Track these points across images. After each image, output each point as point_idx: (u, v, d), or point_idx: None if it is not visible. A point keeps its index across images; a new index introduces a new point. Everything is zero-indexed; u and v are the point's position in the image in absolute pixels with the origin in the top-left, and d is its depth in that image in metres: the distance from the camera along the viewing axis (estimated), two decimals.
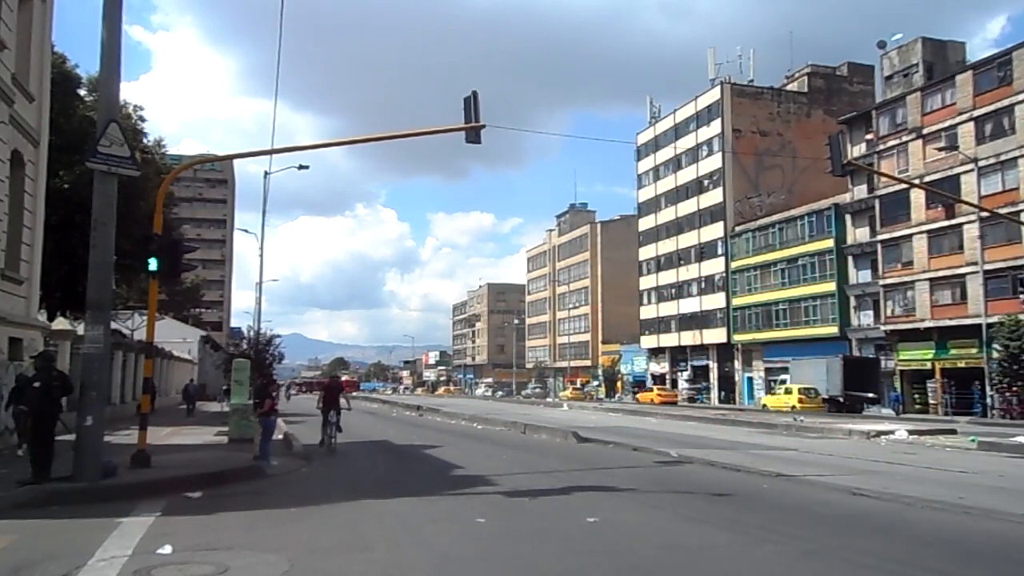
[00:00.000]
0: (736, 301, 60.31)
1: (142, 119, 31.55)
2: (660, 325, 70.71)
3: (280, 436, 17.54)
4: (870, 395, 40.90)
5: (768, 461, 14.73)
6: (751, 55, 68.75)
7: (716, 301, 62.82)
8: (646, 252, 73.49)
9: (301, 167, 35.38)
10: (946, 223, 41.04)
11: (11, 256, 16.31)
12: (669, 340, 69.08)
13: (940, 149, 40.59)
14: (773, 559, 6.77)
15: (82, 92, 26.76)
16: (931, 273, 43.38)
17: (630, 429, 24.47)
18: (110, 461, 10.59)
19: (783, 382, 48.25)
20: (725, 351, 62.28)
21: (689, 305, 66.41)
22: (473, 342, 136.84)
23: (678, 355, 68.78)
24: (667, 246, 70.04)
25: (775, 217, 57.61)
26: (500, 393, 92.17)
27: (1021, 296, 35.92)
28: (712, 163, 64.06)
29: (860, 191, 49.75)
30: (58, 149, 20.81)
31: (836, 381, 41.73)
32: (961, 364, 41.43)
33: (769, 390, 53.86)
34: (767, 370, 56.36)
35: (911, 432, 22.20)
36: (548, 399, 73.50)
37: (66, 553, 6.68)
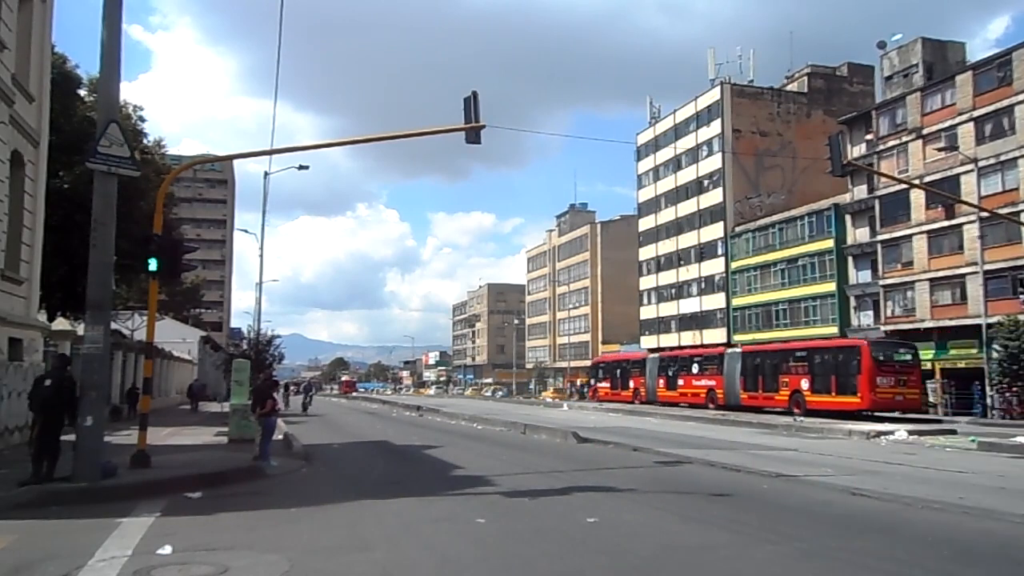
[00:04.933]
0: (736, 301, 60.32)
1: (142, 119, 31.61)
2: (660, 325, 70.71)
3: (280, 436, 17.55)
4: None
5: (768, 461, 14.73)
6: (751, 55, 68.82)
7: (716, 301, 62.83)
8: (646, 252, 73.49)
9: (301, 167, 35.46)
10: (946, 223, 41.04)
11: (11, 256, 16.31)
12: (669, 340, 69.02)
13: (940, 149, 40.58)
14: (773, 559, 6.77)
15: (82, 92, 26.77)
16: (931, 273, 43.38)
17: (630, 429, 24.47)
18: (110, 461, 10.60)
19: None
20: None
21: (689, 305, 66.42)
22: (473, 342, 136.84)
23: None
24: (667, 246, 70.05)
25: (775, 217, 57.61)
26: (500, 393, 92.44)
27: (1021, 296, 35.90)
28: (712, 163, 64.06)
29: (860, 191, 49.75)
30: (58, 149, 20.81)
31: None
32: (961, 364, 41.41)
33: None
34: None
35: (911, 432, 22.20)
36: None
37: (66, 553, 6.69)
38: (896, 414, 30.95)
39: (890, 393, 31.34)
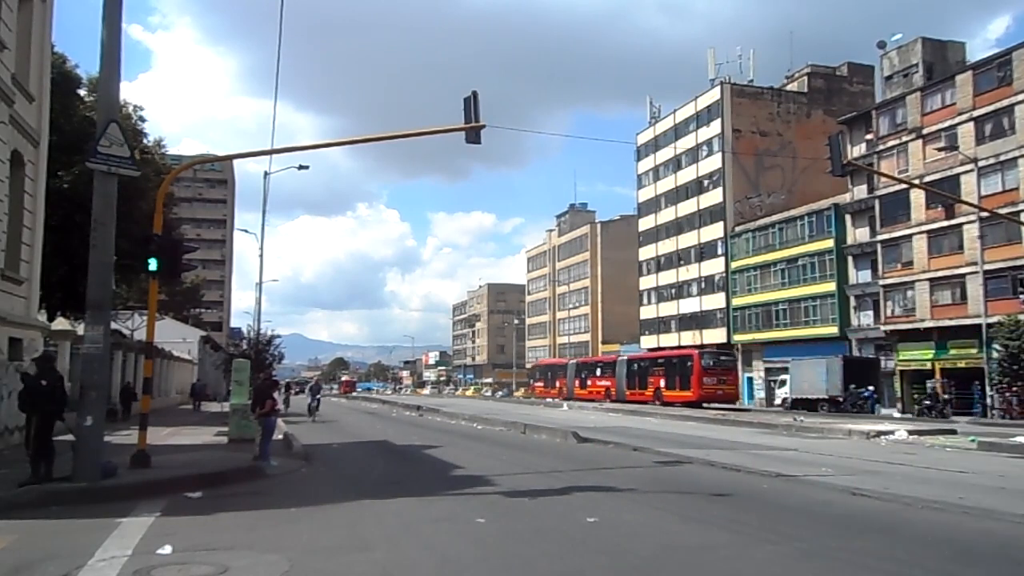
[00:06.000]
0: (736, 301, 60.30)
1: (142, 119, 31.61)
2: (660, 325, 70.70)
3: (280, 436, 17.55)
4: (862, 390, 40.52)
5: (768, 461, 14.73)
6: (751, 55, 68.83)
7: (716, 301, 62.82)
8: (646, 252, 73.47)
9: (301, 167, 35.46)
10: (946, 223, 41.04)
11: (11, 256, 16.31)
12: (669, 340, 69.00)
13: (940, 149, 40.58)
14: (773, 559, 6.77)
15: (82, 92, 26.77)
16: (931, 273, 43.38)
17: (630, 429, 24.48)
18: (110, 461, 10.59)
19: (783, 383, 48.23)
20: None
21: (689, 305, 66.40)
22: (473, 342, 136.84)
23: None
24: (667, 246, 70.03)
25: (775, 217, 57.60)
26: (500, 393, 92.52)
27: (1021, 296, 35.92)
28: (712, 163, 64.05)
29: (860, 191, 49.75)
30: (58, 149, 20.80)
31: (836, 381, 41.68)
32: (961, 364, 41.42)
33: (769, 390, 53.85)
34: (767, 370, 56.34)
35: (911, 432, 22.20)
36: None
37: (66, 553, 6.69)
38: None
39: (713, 389, 42.43)
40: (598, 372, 55.36)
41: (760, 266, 58.05)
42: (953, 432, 23.29)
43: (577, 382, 57.50)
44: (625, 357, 54.38)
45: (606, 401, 48.54)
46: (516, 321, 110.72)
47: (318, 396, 32.64)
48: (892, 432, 22.16)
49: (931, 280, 43.43)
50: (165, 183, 14.92)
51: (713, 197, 63.82)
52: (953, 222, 40.51)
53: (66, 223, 21.53)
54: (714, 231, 63.43)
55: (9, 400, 15.12)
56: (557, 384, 60.94)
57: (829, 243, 51.52)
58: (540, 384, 65.94)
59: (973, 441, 19.66)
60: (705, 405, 40.47)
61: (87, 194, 11.49)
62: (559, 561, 6.65)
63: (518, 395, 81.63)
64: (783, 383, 48.13)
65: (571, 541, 7.44)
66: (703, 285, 64.83)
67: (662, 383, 45.89)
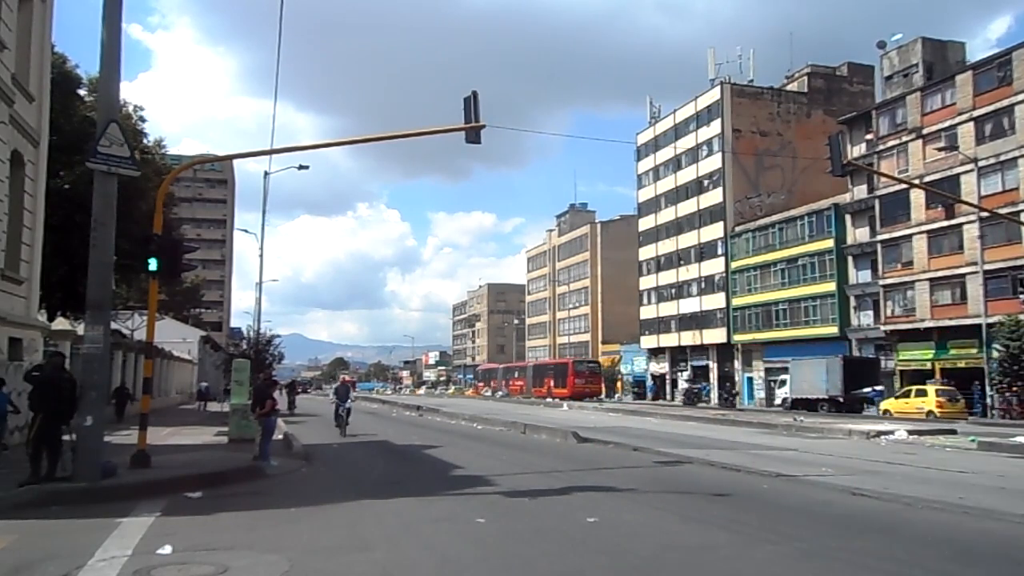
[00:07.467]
0: (736, 301, 60.32)
1: (142, 119, 31.57)
2: (660, 325, 70.71)
3: (280, 436, 17.55)
4: (866, 390, 40.52)
5: (768, 461, 14.72)
6: (751, 55, 68.80)
7: (716, 301, 62.83)
8: (646, 252, 73.47)
9: (301, 167, 35.42)
10: (946, 223, 41.04)
11: (11, 256, 16.30)
12: (669, 340, 69.10)
13: (940, 149, 40.59)
14: (773, 559, 6.76)
15: (82, 92, 26.75)
16: (931, 273, 43.39)
17: (630, 429, 24.47)
18: (110, 461, 10.59)
19: (783, 383, 48.24)
20: (725, 351, 62.27)
21: (689, 305, 66.41)
22: (473, 342, 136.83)
23: (678, 355, 68.77)
24: (667, 246, 70.04)
25: (775, 217, 57.60)
26: (500, 393, 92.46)
27: (1021, 296, 35.94)
28: (712, 163, 64.04)
29: (860, 191, 49.76)
30: (58, 149, 20.79)
31: (836, 381, 41.69)
32: (961, 364, 41.42)
33: (769, 390, 53.88)
34: (767, 370, 56.38)
35: (911, 432, 22.19)
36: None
37: (66, 553, 6.69)
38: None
39: (583, 387, 59.85)
40: (516, 375, 77.13)
41: (760, 266, 58.06)
42: (953, 432, 23.29)
43: (504, 382, 77.90)
44: (532, 364, 77.94)
45: (520, 395, 67.82)
46: (516, 321, 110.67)
47: (347, 403, 23.45)
48: (892, 432, 22.16)
49: (931, 280, 43.44)
50: (165, 183, 14.92)
51: (713, 197, 63.82)
52: (953, 222, 40.51)
53: (66, 223, 21.50)
54: (714, 231, 63.42)
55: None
56: (491, 384, 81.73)
57: (829, 243, 51.53)
58: (481, 383, 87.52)
59: (973, 441, 19.65)
60: (587, 399, 54.43)
61: (87, 194, 11.49)
62: (559, 561, 6.65)
63: (470, 393, 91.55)
64: (783, 384, 48.15)
65: (571, 541, 7.44)
66: (703, 285, 64.83)
67: (552, 383, 63.78)
